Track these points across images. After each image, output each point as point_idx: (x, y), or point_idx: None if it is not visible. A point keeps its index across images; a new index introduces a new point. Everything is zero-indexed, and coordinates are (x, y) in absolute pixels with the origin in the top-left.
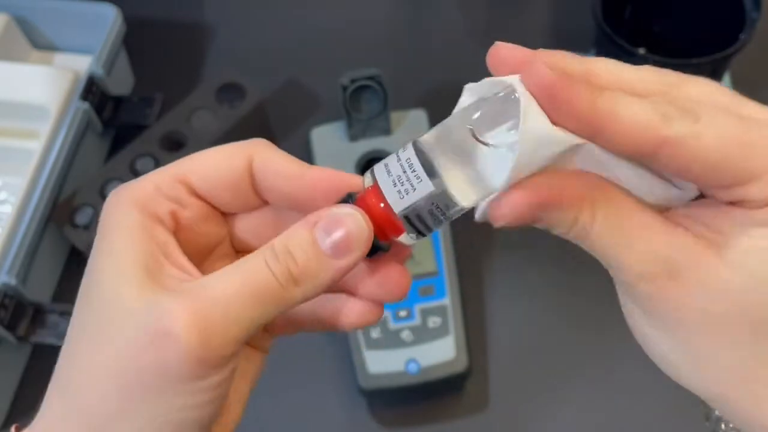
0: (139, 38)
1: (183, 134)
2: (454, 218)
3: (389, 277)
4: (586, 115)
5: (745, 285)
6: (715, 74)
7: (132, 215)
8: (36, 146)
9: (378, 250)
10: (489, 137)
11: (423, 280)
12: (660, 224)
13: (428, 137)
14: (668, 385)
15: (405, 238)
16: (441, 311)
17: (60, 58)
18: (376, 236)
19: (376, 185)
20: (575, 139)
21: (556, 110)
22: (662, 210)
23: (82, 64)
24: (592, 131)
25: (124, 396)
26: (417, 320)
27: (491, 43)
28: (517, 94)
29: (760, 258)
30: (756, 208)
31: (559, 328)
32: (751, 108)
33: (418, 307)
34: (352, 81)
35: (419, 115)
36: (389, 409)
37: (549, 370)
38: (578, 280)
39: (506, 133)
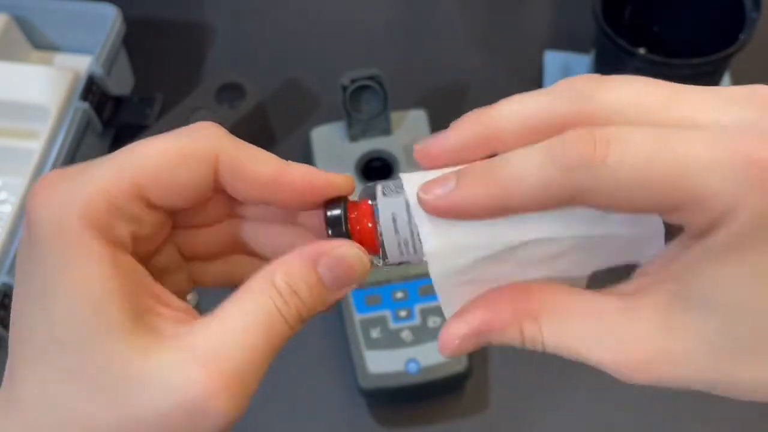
0: (139, 38)
1: None
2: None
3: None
4: (487, 206)
5: (723, 325)
6: (714, 74)
7: (92, 245)
8: (36, 146)
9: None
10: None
11: (423, 280)
12: (611, 309)
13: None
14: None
15: (373, 258)
16: (441, 311)
17: (60, 58)
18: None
19: (373, 208)
20: (480, 248)
21: (465, 217)
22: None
23: (82, 64)
24: (501, 211)
25: None
26: (417, 320)
27: (491, 43)
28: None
29: (728, 290)
30: (707, 235)
31: None
32: (684, 105)
33: (418, 307)
34: (352, 81)
35: (419, 115)
36: (389, 409)
37: (549, 371)
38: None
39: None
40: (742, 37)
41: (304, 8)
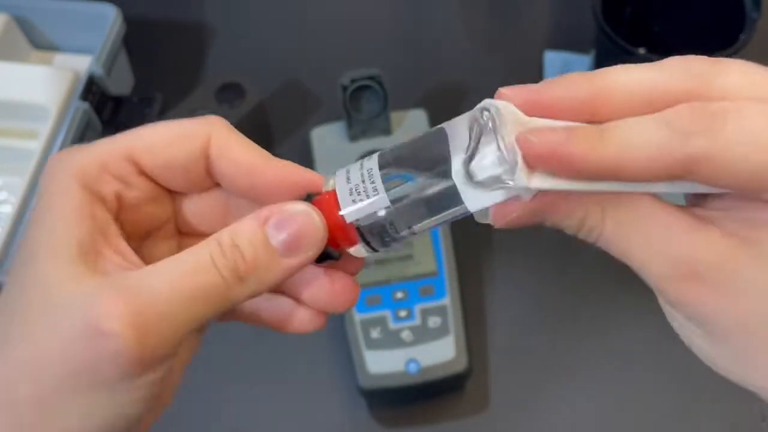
0: (139, 38)
1: None
2: (406, 239)
3: (336, 288)
4: (596, 169)
5: None
6: None
7: (73, 191)
8: (36, 146)
9: (328, 257)
10: (475, 168)
11: (423, 280)
12: (682, 222)
13: (397, 151)
14: (669, 386)
15: (357, 250)
16: (441, 311)
17: (60, 58)
18: (328, 243)
19: (335, 190)
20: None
21: (567, 174)
22: (697, 203)
23: (82, 64)
24: (610, 176)
25: (55, 393)
26: (417, 320)
27: (491, 43)
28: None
29: None
30: None
31: (560, 328)
32: None
33: (418, 307)
34: (352, 81)
35: (419, 115)
36: (389, 409)
37: (549, 370)
38: (579, 280)
39: (491, 167)
40: (742, 37)
41: (304, 8)
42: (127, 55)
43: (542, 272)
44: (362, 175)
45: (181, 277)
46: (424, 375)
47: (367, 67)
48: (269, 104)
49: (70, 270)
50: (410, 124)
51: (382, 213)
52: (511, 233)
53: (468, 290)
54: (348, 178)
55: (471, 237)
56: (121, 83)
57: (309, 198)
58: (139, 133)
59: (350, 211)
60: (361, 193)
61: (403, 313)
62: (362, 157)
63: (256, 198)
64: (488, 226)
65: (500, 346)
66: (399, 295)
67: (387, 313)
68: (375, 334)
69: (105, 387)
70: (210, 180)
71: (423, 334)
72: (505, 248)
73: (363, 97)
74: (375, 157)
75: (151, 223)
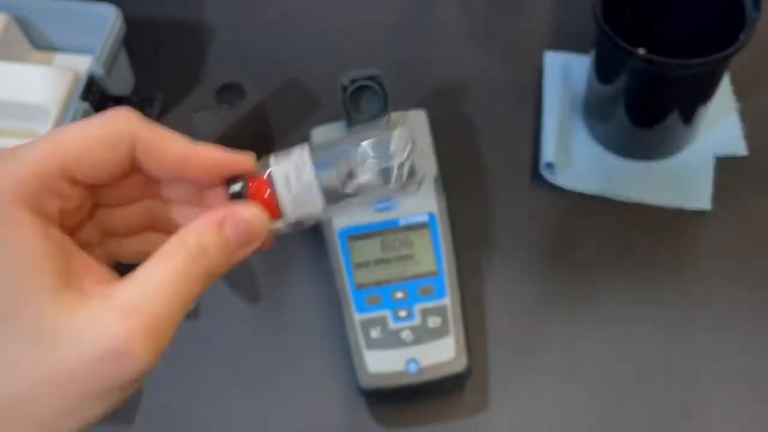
0: (140, 38)
1: (183, 134)
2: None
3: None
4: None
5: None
6: (714, 74)
7: (26, 222)
8: None
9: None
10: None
11: (423, 280)
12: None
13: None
14: (668, 385)
15: (278, 223)
16: (441, 311)
17: (60, 58)
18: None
19: (267, 178)
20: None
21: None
22: None
23: (82, 64)
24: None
25: (81, 404)
26: (417, 320)
27: (491, 43)
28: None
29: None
30: None
31: (560, 328)
32: None
33: (418, 307)
34: (352, 81)
35: (419, 115)
36: (389, 409)
37: (549, 370)
38: (579, 280)
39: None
40: (742, 37)
41: (305, 8)
42: (128, 55)
43: (542, 272)
44: (296, 164)
45: (170, 290)
46: (424, 375)
47: (367, 67)
48: (269, 104)
49: (63, 303)
50: (410, 125)
51: (315, 209)
52: (511, 233)
53: (468, 290)
54: (289, 188)
55: (471, 237)
56: (122, 83)
57: (234, 180)
58: (64, 140)
59: (291, 211)
60: (303, 198)
61: (403, 313)
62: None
63: (190, 182)
64: (487, 226)
65: (500, 346)
66: (399, 295)
67: (387, 313)
68: (375, 333)
69: (123, 390)
70: (128, 171)
71: (423, 334)
72: (505, 248)
73: (363, 97)
74: (306, 146)
75: (79, 218)
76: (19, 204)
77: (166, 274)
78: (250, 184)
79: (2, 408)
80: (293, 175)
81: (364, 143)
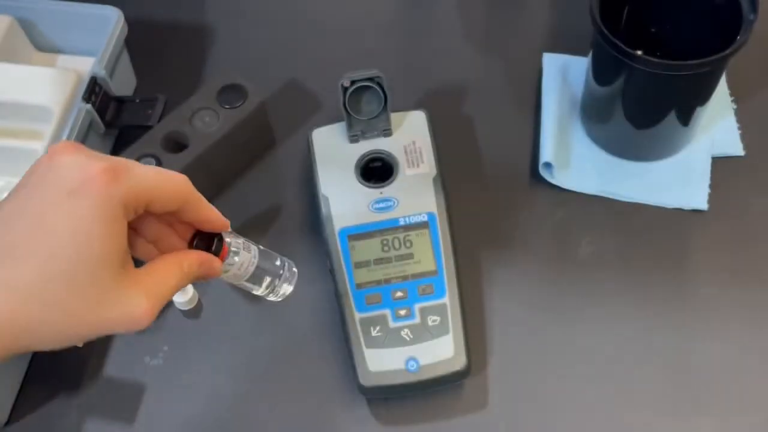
0: (142, 40)
1: (185, 135)
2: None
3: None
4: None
5: None
6: (712, 75)
7: (119, 218)
8: (39, 147)
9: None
10: None
11: (423, 279)
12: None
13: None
14: (667, 384)
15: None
16: (440, 310)
17: (63, 59)
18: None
19: (227, 255)
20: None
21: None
22: None
23: (85, 65)
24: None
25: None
26: (417, 319)
27: (490, 45)
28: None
29: None
30: None
31: (558, 327)
32: None
33: (417, 306)
34: (352, 82)
35: (419, 116)
36: (389, 407)
37: (547, 369)
38: (578, 279)
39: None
40: (739, 38)
41: (305, 9)
42: (130, 56)
43: (541, 272)
44: (249, 260)
45: (170, 288)
46: (424, 373)
47: (367, 68)
48: (270, 105)
49: (119, 274)
50: (410, 125)
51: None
52: (510, 233)
53: (467, 289)
54: (240, 268)
55: (471, 237)
56: (124, 84)
57: (219, 238)
58: (157, 186)
59: (230, 278)
60: (241, 268)
61: (402, 312)
62: (364, 157)
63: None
64: (487, 226)
65: (499, 345)
66: (399, 294)
67: (387, 312)
68: (375, 332)
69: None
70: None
71: (422, 333)
72: (505, 248)
73: (363, 98)
74: (256, 255)
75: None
76: (121, 206)
77: (170, 279)
78: (224, 248)
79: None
80: (246, 263)
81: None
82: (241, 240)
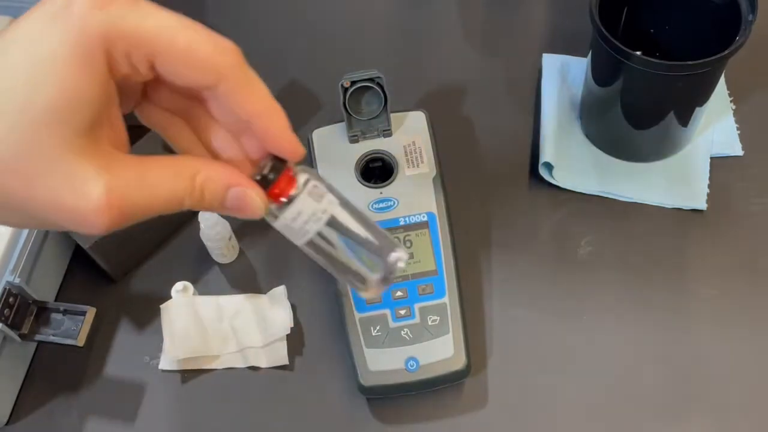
0: None
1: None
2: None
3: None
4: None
5: None
6: (711, 76)
7: (98, 60)
8: None
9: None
10: None
11: (423, 279)
12: None
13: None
14: (667, 384)
15: (270, 217)
16: (440, 310)
17: None
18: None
19: (291, 196)
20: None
21: None
22: None
23: None
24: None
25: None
26: (416, 319)
27: (490, 45)
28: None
29: None
30: None
31: (558, 326)
32: None
33: (417, 306)
34: (352, 82)
35: (419, 116)
36: (389, 407)
37: (547, 369)
38: (577, 279)
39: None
40: (738, 38)
41: (305, 9)
42: None
43: (541, 271)
44: (314, 214)
45: (158, 200)
46: (424, 373)
47: (367, 68)
48: None
49: (77, 138)
50: (410, 125)
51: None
52: (510, 233)
53: (467, 289)
54: (301, 211)
55: (470, 236)
56: None
57: (275, 164)
58: (166, 36)
59: (284, 221)
60: (299, 220)
61: (402, 312)
62: (364, 157)
63: (237, 128)
64: (487, 227)
65: (499, 345)
66: (399, 293)
67: (387, 312)
68: (375, 332)
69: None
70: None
71: (422, 333)
72: (504, 247)
73: (363, 99)
74: (336, 207)
75: (135, 84)
76: (100, 48)
77: (164, 189)
78: (281, 180)
79: None
80: (306, 216)
81: (400, 260)
82: (317, 183)
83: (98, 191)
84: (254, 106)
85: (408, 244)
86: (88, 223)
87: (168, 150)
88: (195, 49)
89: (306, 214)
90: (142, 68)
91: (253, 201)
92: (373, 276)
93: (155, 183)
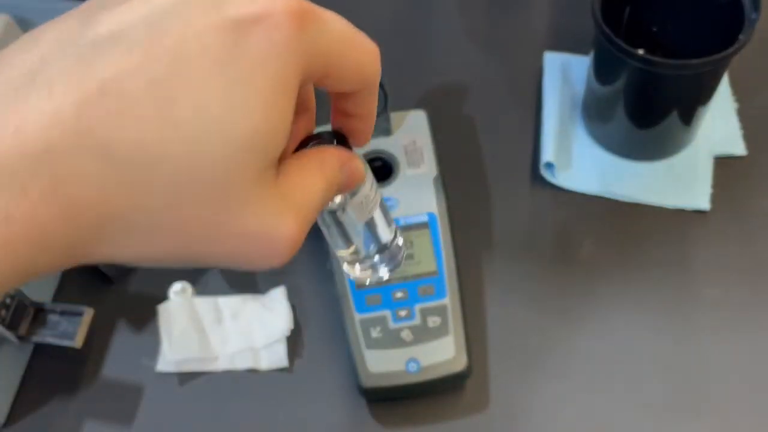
0: None
1: None
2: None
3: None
4: None
5: None
6: (714, 75)
7: (292, 90)
8: None
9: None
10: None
11: (423, 279)
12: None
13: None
14: (666, 385)
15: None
16: (441, 311)
17: None
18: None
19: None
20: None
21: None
22: None
23: None
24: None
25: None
26: (417, 320)
27: (491, 44)
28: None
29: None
30: None
31: (559, 328)
32: None
33: (418, 307)
34: None
35: (419, 116)
36: (389, 409)
37: (548, 370)
38: (578, 280)
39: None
40: (741, 37)
41: None
42: None
43: (542, 272)
44: (371, 186)
45: (317, 203)
46: (424, 374)
47: None
48: None
49: (270, 176)
50: (410, 124)
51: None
52: (511, 233)
53: (468, 290)
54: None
55: (471, 237)
56: None
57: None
58: (343, 52)
59: (363, 191)
60: (368, 198)
61: (403, 313)
62: (364, 157)
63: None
64: (488, 227)
65: (500, 346)
66: (399, 294)
67: (387, 313)
68: (375, 333)
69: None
70: None
71: (423, 334)
72: (505, 248)
73: None
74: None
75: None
76: (300, 76)
77: (318, 190)
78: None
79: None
80: (367, 190)
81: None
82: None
83: (291, 225)
84: (372, 105)
85: (408, 245)
86: (279, 257)
87: None
88: (363, 63)
89: (371, 194)
90: (307, 85)
91: (359, 170)
92: (373, 256)
93: (311, 193)
